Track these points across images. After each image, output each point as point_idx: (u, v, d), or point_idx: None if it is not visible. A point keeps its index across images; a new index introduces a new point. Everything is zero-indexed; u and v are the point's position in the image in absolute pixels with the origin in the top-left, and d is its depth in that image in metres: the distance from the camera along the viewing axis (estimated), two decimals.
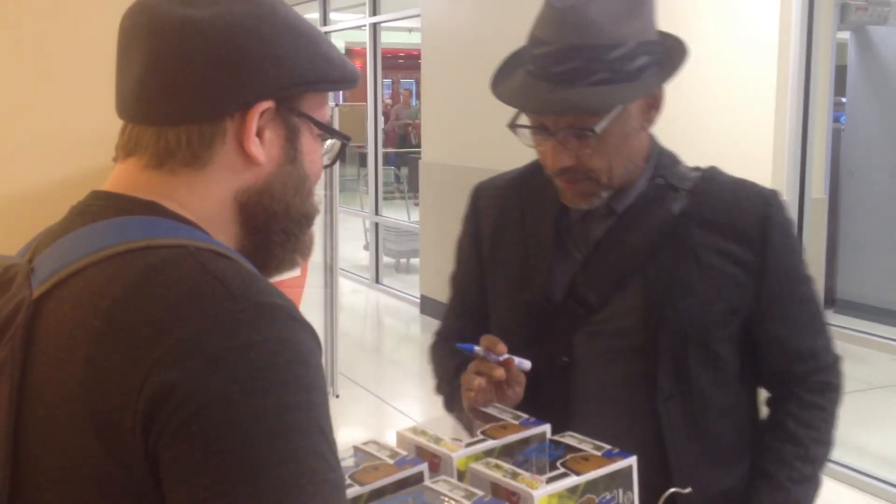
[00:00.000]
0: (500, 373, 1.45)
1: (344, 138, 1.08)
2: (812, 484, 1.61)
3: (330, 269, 5.34)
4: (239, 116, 0.95)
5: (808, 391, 1.63)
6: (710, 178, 1.62)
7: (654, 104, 1.54)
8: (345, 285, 8.44)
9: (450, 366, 1.69)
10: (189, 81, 0.94)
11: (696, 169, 1.63)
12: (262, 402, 0.81)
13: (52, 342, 0.88)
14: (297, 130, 1.00)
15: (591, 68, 1.43)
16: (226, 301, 0.85)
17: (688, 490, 1.39)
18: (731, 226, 1.56)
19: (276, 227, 1.01)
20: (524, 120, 1.53)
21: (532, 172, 1.68)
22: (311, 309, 5.22)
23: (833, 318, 5.92)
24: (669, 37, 1.56)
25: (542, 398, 1.51)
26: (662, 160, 1.61)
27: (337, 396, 5.16)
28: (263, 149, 0.97)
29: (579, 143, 1.48)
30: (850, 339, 4.79)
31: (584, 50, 1.43)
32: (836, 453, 4.57)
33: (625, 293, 1.56)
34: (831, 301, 6.50)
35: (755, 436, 1.66)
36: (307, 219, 1.05)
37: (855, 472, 4.30)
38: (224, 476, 0.79)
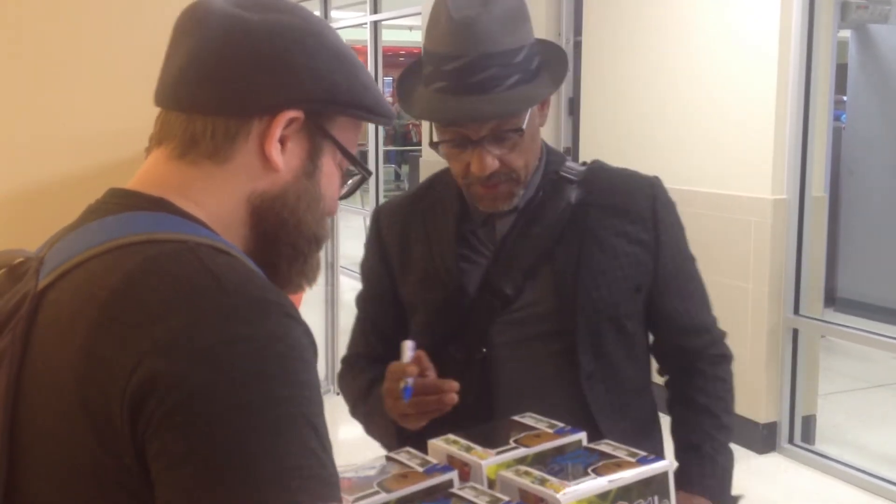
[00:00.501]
0: (412, 369, 1.47)
1: (366, 172, 1.09)
2: (729, 451, 1.74)
3: (331, 267, 5.35)
4: (267, 119, 0.97)
5: (710, 365, 1.77)
6: (597, 169, 1.75)
7: (546, 102, 1.64)
8: (345, 283, 8.43)
9: (363, 383, 1.74)
10: (225, 74, 0.96)
11: (583, 163, 1.77)
12: (248, 395, 0.81)
13: (52, 332, 0.89)
14: (321, 149, 1.01)
15: (504, 73, 1.51)
16: (218, 295, 0.85)
17: None
18: (625, 208, 1.68)
19: (285, 239, 1.02)
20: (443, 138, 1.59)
21: (426, 189, 1.78)
22: (311, 306, 5.22)
23: (833, 317, 5.92)
24: (541, 40, 1.65)
25: (463, 391, 1.54)
26: (552, 157, 1.72)
27: (337, 394, 5.15)
28: (284, 157, 0.98)
29: (500, 146, 1.55)
30: (850, 338, 4.79)
31: (496, 56, 1.50)
32: (835, 450, 4.63)
33: (536, 282, 1.65)
34: (831, 299, 6.50)
35: (657, 413, 1.79)
36: (317, 241, 1.05)
37: (856, 470, 4.32)
38: (208, 468, 0.79)
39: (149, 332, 0.83)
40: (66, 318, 0.89)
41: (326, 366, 5.37)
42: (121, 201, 0.98)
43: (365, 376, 1.74)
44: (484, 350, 1.65)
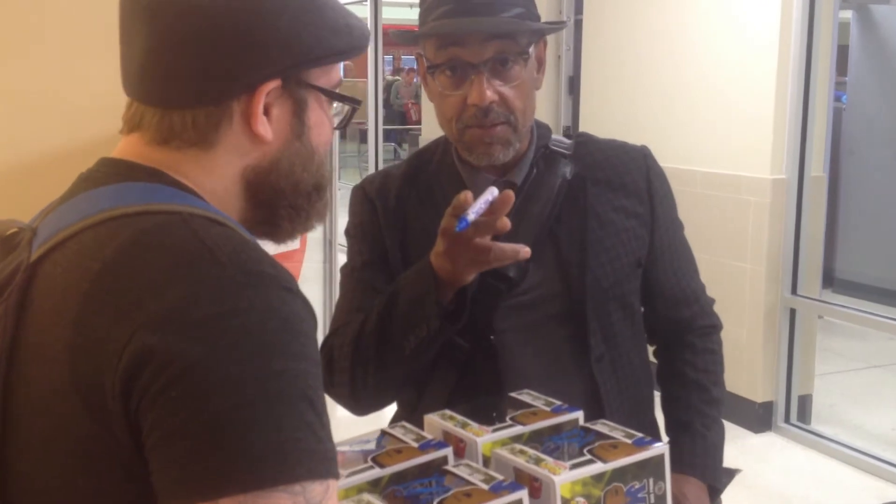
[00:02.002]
0: (470, 201, 1.33)
1: (354, 102, 1.06)
2: (719, 425, 1.72)
3: (329, 243, 5.35)
4: (245, 98, 0.95)
5: (699, 337, 1.74)
6: (586, 142, 1.70)
7: (542, 62, 1.61)
8: (344, 261, 8.43)
9: (367, 313, 1.55)
10: (191, 65, 0.93)
11: (567, 135, 1.72)
12: (244, 369, 0.80)
13: (45, 304, 0.89)
14: (305, 103, 0.99)
15: (509, 2, 1.49)
16: (213, 268, 0.84)
17: None
18: (621, 182, 1.65)
19: (282, 203, 1.01)
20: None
21: (417, 165, 1.69)
22: (309, 283, 5.22)
23: (831, 297, 5.93)
24: None
25: (471, 380, 1.53)
26: (541, 131, 1.67)
27: None
28: (271, 126, 0.97)
29: (501, 77, 1.51)
30: (848, 318, 4.80)
31: None
32: (832, 430, 4.65)
33: (538, 263, 1.58)
34: (829, 280, 6.51)
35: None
36: (318, 191, 1.04)
37: (851, 449, 4.33)
38: (203, 441, 0.78)
39: (142, 306, 0.82)
40: (58, 290, 0.88)
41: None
42: (114, 171, 0.97)
43: (362, 314, 1.56)
44: (491, 337, 1.59)
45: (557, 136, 1.69)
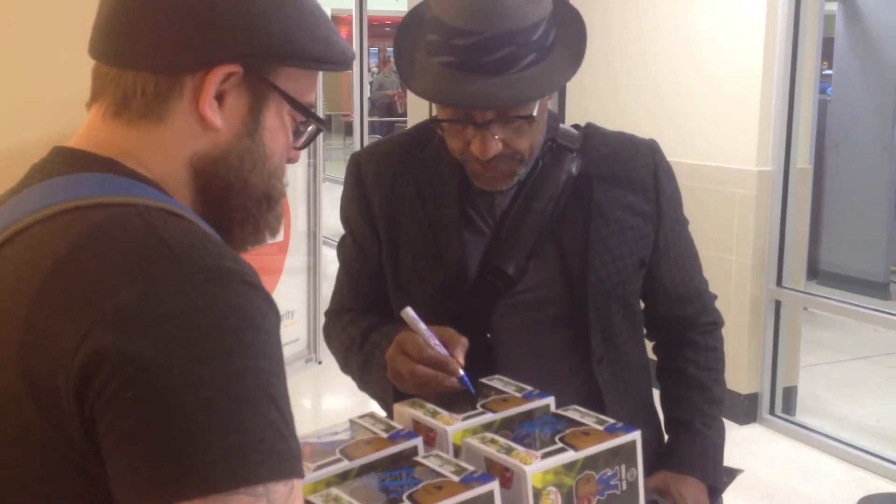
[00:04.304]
0: (454, 383, 1.34)
1: (319, 122, 1.02)
2: (720, 424, 1.68)
3: (313, 236, 5.33)
4: (200, 75, 0.91)
5: (701, 334, 1.71)
6: (594, 134, 1.63)
7: None
8: (329, 254, 8.41)
9: (354, 333, 1.61)
10: (152, 27, 0.90)
11: (576, 126, 1.65)
12: (203, 369, 0.77)
13: None
14: (264, 104, 0.95)
15: (521, 53, 1.37)
16: (170, 263, 0.81)
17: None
18: (627, 178, 1.59)
19: (233, 202, 0.97)
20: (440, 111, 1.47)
21: (417, 142, 1.60)
22: (294, 277, 5.21)
23: (816, 289, 5.94)
24: (558, 2, 1.50)
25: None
26: (550, 122, 1.58)
27: (319, 363, 5.15)
28: (223, 115, 0.93)
29: (510, 129, 1.43)
30: (832, 310, 4.81)
31: (516, 34, 1.36)
32: (817, 422, 4.65)
33: (540, 261, 1.55)
34: (814, 272, 6.52)
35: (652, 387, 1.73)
36: (268, 200, 0.99)
37: (836, 440, 4.34)
38: (160, 443, 0.75)
39: (96, 304, 0.79)
40: (9, 287, 0.84)
41: (308, 335, 5.35)
42: (67, 160, 0.93)
43: (356, 326, 1.61)
44: (488, 336, 1.55)
45: (565, 128, 1.62)
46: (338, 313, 1.70)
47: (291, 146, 1.01)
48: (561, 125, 1.61)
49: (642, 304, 1.71)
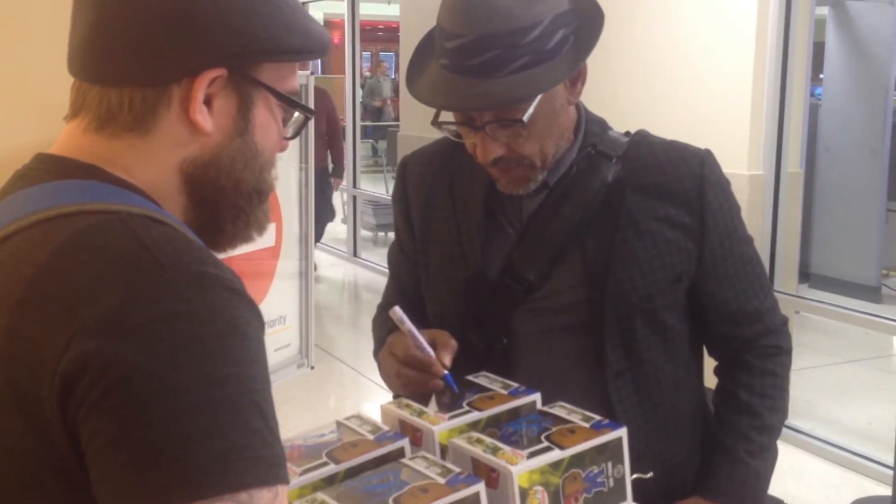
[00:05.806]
0: (436, 384, 1.37)
1: (306, 111, 1.02)
2: (770, 454, 1.60)
3: (305, 240, 5.31)
4: (186, 83, 0.91)
5: (759, 357, 1.61)
6: (641, 142, 1.57)
7: (578, 77, 1.47)
8: (322, 258, 8.41)
9: (384, 332, 1.62)
10: (132, 42, 0.90)
11: (626, 134, 1.60)
12: (185, 376, 0.76)
13: None
14: (251, 101, 0.95)
15: (510, 55, 1.34)
16: (153, 269, 0.80)
17: (649, 475, 1.35)
18: (667, 189, 1.51)
19: (224, 203, 0.97)
20: (447, 115, 1.46)
21: (460, 144, 1.57)
22: (286, 281, 5.19)
23: (807, 293, 5.95)
24: (580, 3, 1.45)
25: None
26: (591, 128, 1.56)
27: (312, 368, 5.14)
28: (212, 118, 0.93)
29: (508, 132, 1.42)
30: (823, 314, 4.81)
31: (501, 37, 1.33)
32: (808, 425, 4.64)
33: (563, 268, 1.52)
34: (805, 275, 6.53)
35: (705, 406, 1.65)
36: (259, 195, 1.00)
37: (828, 444, 4.35)
38: (143, 450, 0.75)
39: (78, 312, 0.78)
40: None
41: (300, 340, 5.34)
42: (49, 167, 0.93)
43: (385, 327, 1.62)
44: (505, 340, 1.53)
45: (613, 134, 1.58)
46: (381, 309, 1.74)
47: (282, 138, 1.02)
48: (610, 131, 1.58)
49: (694, 322, 1.61)
